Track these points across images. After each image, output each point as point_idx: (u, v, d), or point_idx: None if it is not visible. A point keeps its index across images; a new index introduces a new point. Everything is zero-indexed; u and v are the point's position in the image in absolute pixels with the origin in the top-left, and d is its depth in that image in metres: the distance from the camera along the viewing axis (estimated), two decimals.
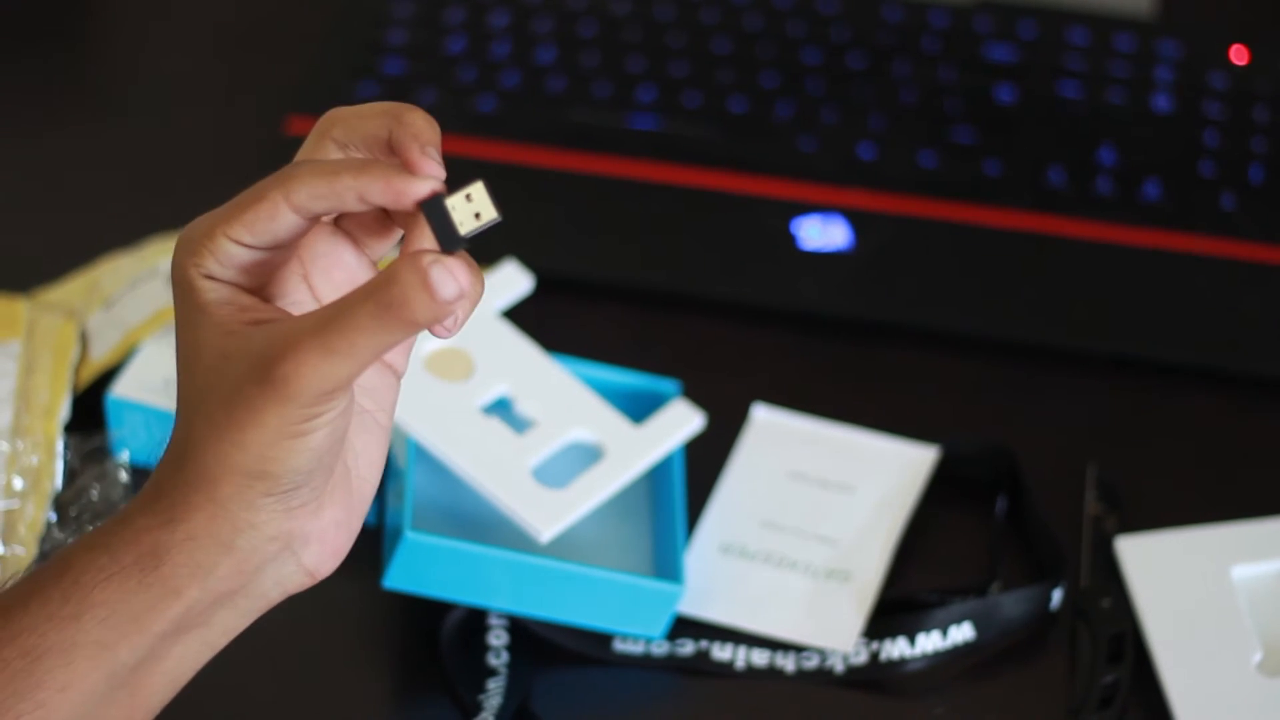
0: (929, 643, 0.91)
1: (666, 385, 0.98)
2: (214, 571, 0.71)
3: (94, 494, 0.96)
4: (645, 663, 0.92)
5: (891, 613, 0.93)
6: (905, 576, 0.95)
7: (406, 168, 0.69)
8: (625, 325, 1.06)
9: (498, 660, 0.91)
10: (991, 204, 1.10)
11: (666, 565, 0.92)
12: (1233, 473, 1.00)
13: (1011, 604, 0.92)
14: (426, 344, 0.94)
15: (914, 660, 0.91)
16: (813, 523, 0.96)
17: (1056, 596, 0.93)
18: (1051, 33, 1.18)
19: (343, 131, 0.73)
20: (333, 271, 0.73)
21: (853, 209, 1.10)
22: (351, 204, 0.70)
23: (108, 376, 0.99)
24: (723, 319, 1.06)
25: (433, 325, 0.68)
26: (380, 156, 0.71)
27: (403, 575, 0.89)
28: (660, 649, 0.92)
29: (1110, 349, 1.05)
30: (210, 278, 0.70)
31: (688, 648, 0.92)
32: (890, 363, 1.05)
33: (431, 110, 1.13)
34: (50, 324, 1.01)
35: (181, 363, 0.71)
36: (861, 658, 0.92)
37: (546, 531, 0.90)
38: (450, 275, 0.67)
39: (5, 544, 0.94)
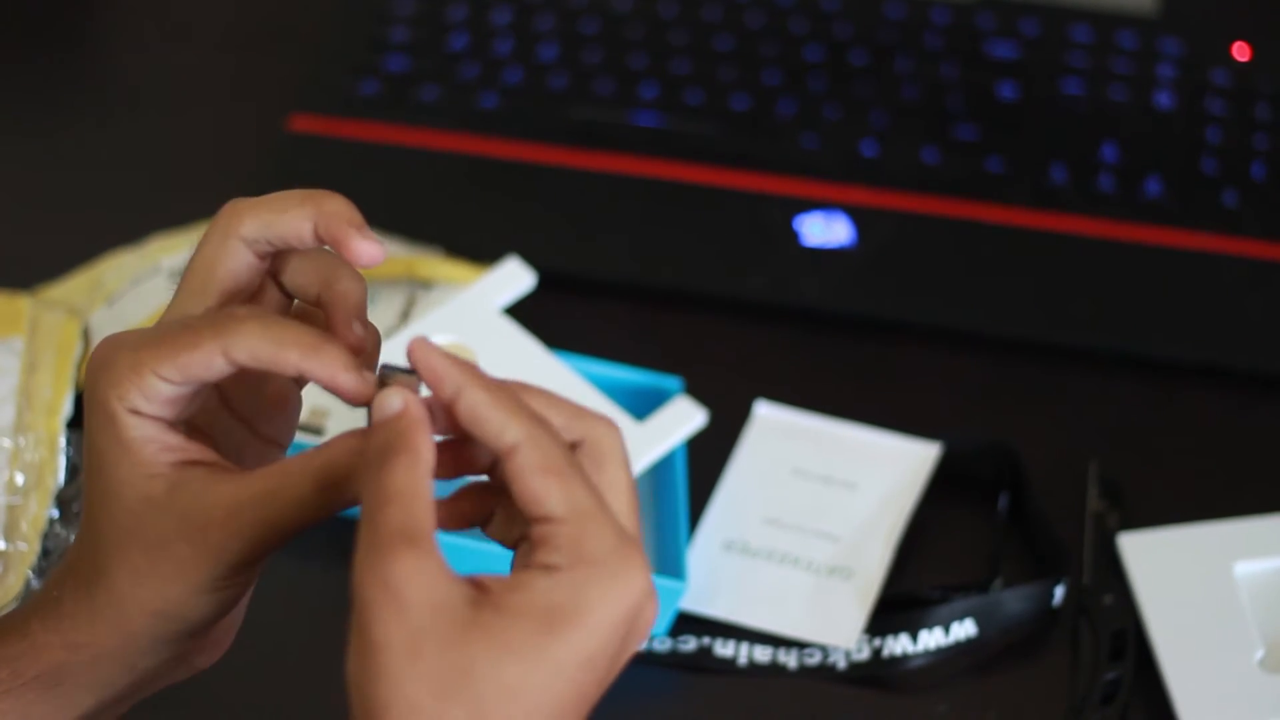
0: (931, 639, 0.91)
1: (669, 381, 0.98)
2: (113, 686, 0.71)
3: None
4: (648, 659, 0.92)
5: (894, 609, 0.93)
6: (908, 573, 0.95)
7: (341, 340, 0.68)
8: (627, 322, 1.06)
9: None
10: (994, 201, 1.10)
11: (669, 562, 0.93)
12: (1235, 469, 1.00)
13: (1013, 600, 0.92)
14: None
15: (916, 657, 0.91)
16: (815, 519, 0.96)
17: (1059, 593, 0.93)
18: (1053, 29, 1.18)
19: (254, 229, 0.69)
20: (260, 388, 0.72)
21: (855, 206, 1.10)
22: (289, 373, 0.67)
23: None
24: (725, 316, 1.06)
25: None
26: (300, 250, 0.70)
27: None
28: (663, 645, 0.92)
29: (1112, 346, 1.05)
30: (135, 412, 0.68)
31: (690, 644, 0.92)
32: (892, 359, 1.05)
33: (434, 107, 1.14)
34: (53, 321, 1.01)
35: (97, 496, 0.69)
36: (864, 654, 0.92)
37: None
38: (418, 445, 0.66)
39: (8, 540, 0.94)
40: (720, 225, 1.09)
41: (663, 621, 0.92)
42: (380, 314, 1.00)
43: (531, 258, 1.02)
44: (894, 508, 0.96)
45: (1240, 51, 1.17)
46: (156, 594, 0.69)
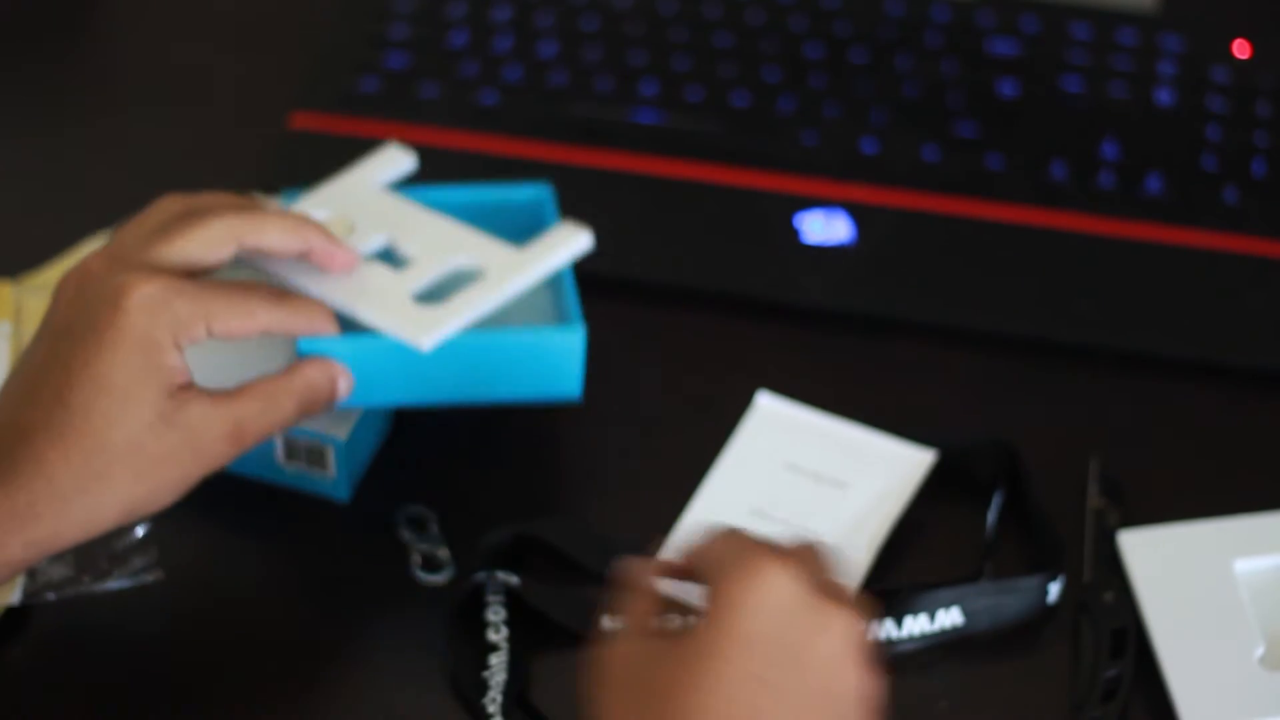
0: (916, 625, 0.91)
1: (536, 189, 1.01)
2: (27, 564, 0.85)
3: None
4: None
5: (882, 598, 0.93)
6: (905, 569, 0.95)
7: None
8: (626, 320, 1.06)
9: (497, 635, 0.91)
10: (994, 198, 1.10)
11: (563, 320, 0.96)
12: (1235, 467, 1.00)
13: (1001, 591, 0.92)
14: (310, 214, 0.97)
15: (902, 642, 0.91)
16: (802, 515, 0.96)
17: (1054, 589, 0.93)
18: (1054, 27, 1.18)
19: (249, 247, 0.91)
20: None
21: (855, 203, 1.10)
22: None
23: None
24: (725, 313, 1.06)
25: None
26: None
27: None
28: None
29: (1112, 343, 1.05)
30: (177, 347, 0.85)
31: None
32: (892, 357, 1.05)
33: (434, 104, 1.14)
34: (37, 306, 1.01)
35: (111, 412, 0.84)
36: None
37: (426, 339, 0.92)
38: (346, 376, 0.91)
39: None
40: (720, 222, 1.09)
41: (573, 378, 0.95)
42: None
43: None
44: (881, 510, 0.96)
45: (1240, 49, 1.17)
46: (145, 496, 0.85)
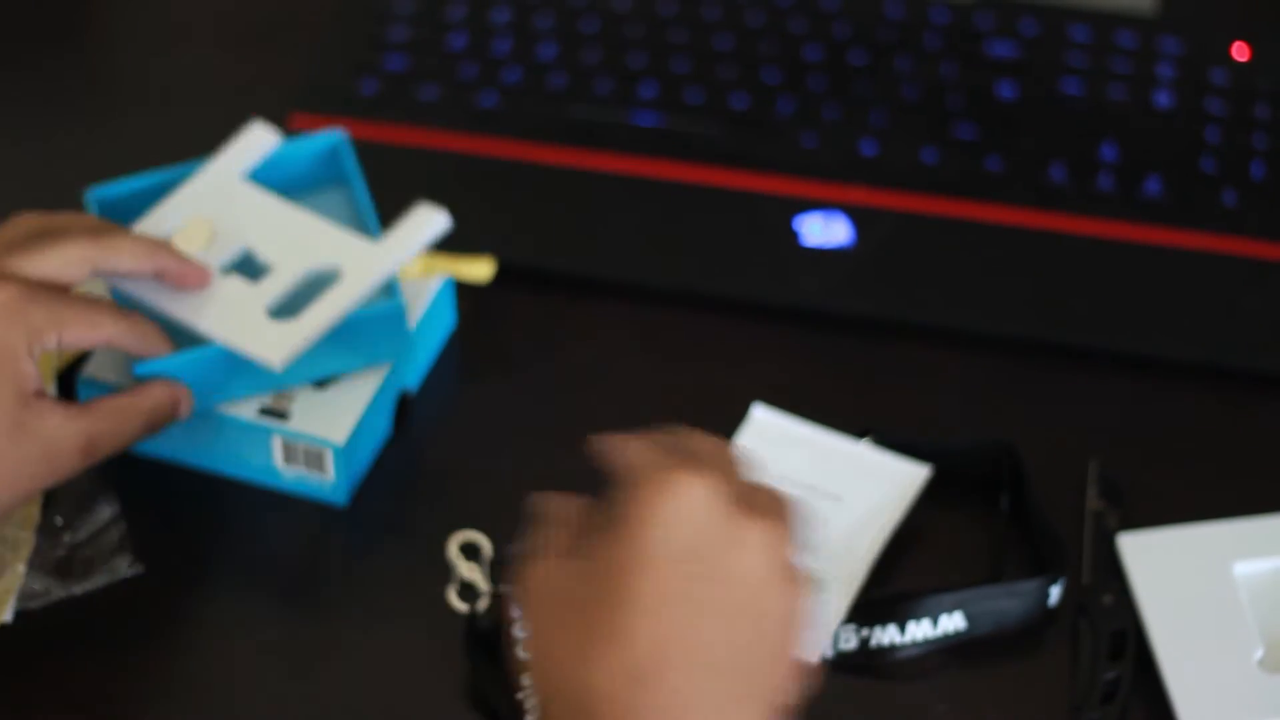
0: (919, 630, 0.91)
1: (329, 137, 1.01)
2: None
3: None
4: None
5: (885, 604, 0.93)
6: (908, 572, 0.95)
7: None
8: (626, 322, 1.06)
9: (528, 654, 0.90)
10: (993, 200, 1.10)
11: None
12: (1234, 469, 1.00)
13: (1004, 596, 0.92)
14: (170, 223, 0.98)
15: (905, 647, 0.91)
16: None
17: (1055, 592, 0.93)
18: (1053, 29, 1.18)
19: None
20: None
21: (854, 205, 1.10)
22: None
23: (79, 361, 1.00)
24: (724, 315, 1.06)
25: None
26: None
27: None
28: None
29: (1112, 345, 1.05)
30: (30, 355, 0.88)
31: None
32: (891, 359, 1.05)
33: (433, 106, 1.14)
34: None
35: None
36: (851, 644, 0.92)
37: (277, 358, 0.93)
38: (188, 400, 0.94)
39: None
40: (719, 225, 1.09)
41: (399, 342, 0.97)
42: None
43: (531, 257, 1.02)
44: (875, 525, 0.96)
45: (1239, 51, 1.17)
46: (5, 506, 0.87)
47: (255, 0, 1.24)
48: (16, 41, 1.22)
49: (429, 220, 0.97)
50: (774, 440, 0.99)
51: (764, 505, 0.76)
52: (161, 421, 0.93)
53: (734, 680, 0.73)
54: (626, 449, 0.77)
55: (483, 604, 0.93)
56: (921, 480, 0.97)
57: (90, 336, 0.90)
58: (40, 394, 0.88)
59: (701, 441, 0.78)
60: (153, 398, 0.93)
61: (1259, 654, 0.90)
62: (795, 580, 0.75)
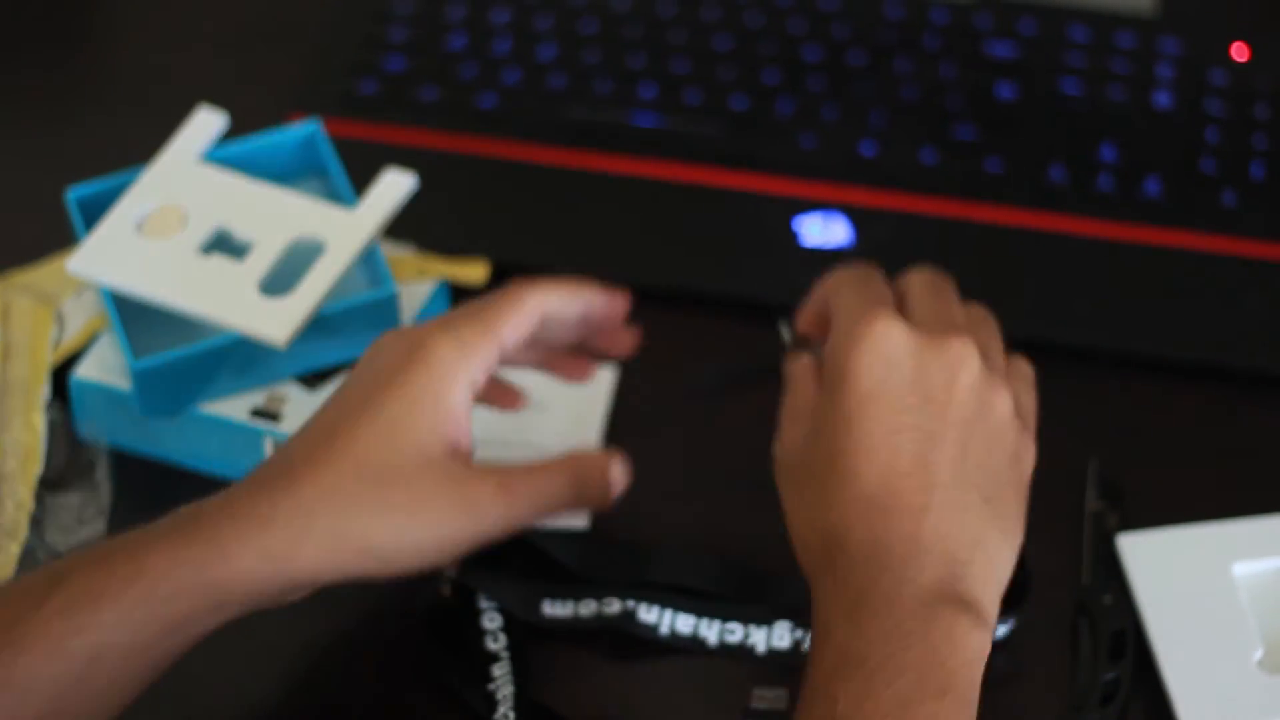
0: None
1: (305, 128, 1.02)
2: (252, 606, 0.81)
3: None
4: (574, 624, 0.91)
5: None
6: None
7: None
8: (625, 322, 1.06)
9: (496, 644, 0.90)
10: (992, 201, 1.10)
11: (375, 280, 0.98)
12: (1234, 469, 1.00)
13: None
14: (136, 212, 0.98)
15: None
16: (518, 433, 0.97)
17: (1002, 630, 0.90)
18: (1052, 30, 1.18)
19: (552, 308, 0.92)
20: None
21: (854, 206, 1.10)
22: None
23: (70, 360, 1.00)
24: (723, 316, 1.06)
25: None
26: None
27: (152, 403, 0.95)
28: (587, 609, 0.91)
29: (1111, 346, 1.05)
30: (470, 384, 0.85)
31: (614, 607, 0.91)
32: None
33: (432, 107, 1.14)
34: (25, 307, 1.01)
35: (386, 438, 0.81)
36: (784, 642, 0.91)
37: (281, 335, 0.93)
38: (625, 472, 0.88)
39: None
40: (719, 225, 1.09)
41: (387, 323, 0.96)
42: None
43: (530, 258, 1.02)
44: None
45: (1239, 52, 1.17)
46: (391, 539, 0.81)
47: (255, 0, 1.24)
48: (16, 41, 1.22)
49: (396, 183, 0.98)
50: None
51: (953, 322, 0.85)
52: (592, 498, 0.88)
53: (975, 496, 0.81)
54: (833, 287, 0.87)
55: (446, 590, 0.92)
56: (609, 381, 1.00)
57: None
58: (468, 448, 0.85)
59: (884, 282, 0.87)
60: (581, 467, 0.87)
61: (1259, 654, 0.90)
62: (999, 386, 0.84)
